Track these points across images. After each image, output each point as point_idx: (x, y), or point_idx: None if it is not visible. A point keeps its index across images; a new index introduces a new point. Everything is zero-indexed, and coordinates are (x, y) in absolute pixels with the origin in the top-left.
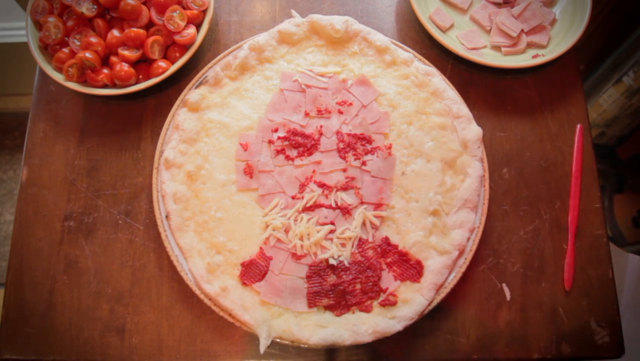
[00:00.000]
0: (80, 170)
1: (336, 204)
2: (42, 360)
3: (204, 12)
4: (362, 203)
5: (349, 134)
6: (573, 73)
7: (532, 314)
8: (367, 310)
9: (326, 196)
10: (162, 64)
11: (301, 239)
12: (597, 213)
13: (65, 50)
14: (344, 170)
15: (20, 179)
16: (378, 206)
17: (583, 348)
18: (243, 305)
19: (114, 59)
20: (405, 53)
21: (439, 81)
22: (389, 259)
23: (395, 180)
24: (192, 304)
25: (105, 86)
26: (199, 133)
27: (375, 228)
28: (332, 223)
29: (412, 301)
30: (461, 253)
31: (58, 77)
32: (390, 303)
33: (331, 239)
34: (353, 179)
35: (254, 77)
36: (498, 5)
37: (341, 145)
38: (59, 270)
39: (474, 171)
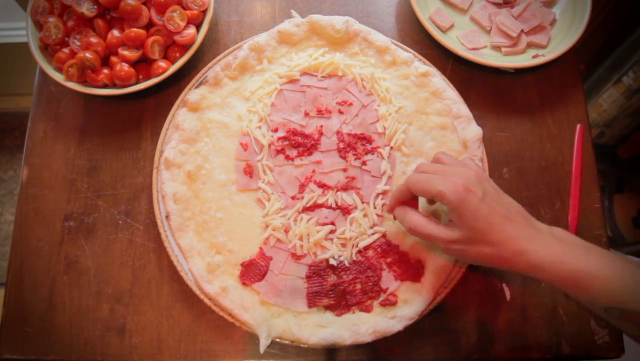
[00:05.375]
0: (80, 170)
1: (336, 204)
2: (42, 360)
3: (204, 12)
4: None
5: (349, 134)
6: (573, 73)
7: (532, 314)
8: (367, 310)
9: (325, 194)
10: (162, 64)
11: (301, 239)
12: (597, 213)
13: (65, 50)
14: (344, 170)
15: (20, 179)
16: None
17: (583, 348)
18: (243, 305)
19: (114, 59)
20: (405, 53)
21: (439, 81)
22: (389, 259)
23: (395, 180)
24: (192, 304)
25: (105, 86)
26: (199, 133)
27: None
28: (332, 223)
29: (412, 301)
30: None
31: (58, 77)
32: (390, 303)
33: (331, 239)
34: (353, 179)
35: (254, 77)
36: (498, 5)
37: (341, 145)
38: (59, 270)
39: None
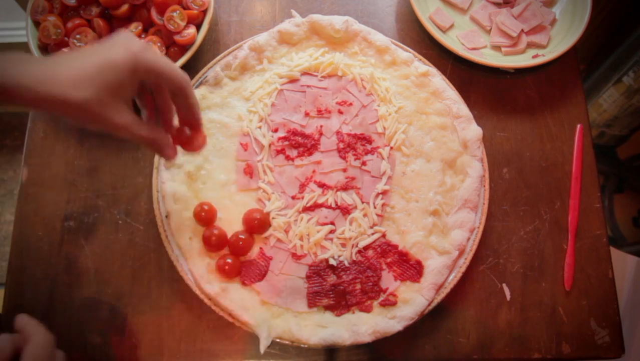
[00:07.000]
0: (80, 170)
1: (336, 204)
2: None
3: (204, 12)
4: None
5: (349, 134)
6: (573, 73)
7: (532, 314)
8: (367, 310)
9: (325, 194)
10: None
11: (301, 239)
12: (597, 213)
13: (65, 50)
14: (344, 170)
15: (20, 179)
16: None
17: (583, 348)
18: (243, 305)
19: None
20: (405, 53)
21: (439, 81)
22: (389, 259)
23: (395, 180)
24: (192, 304)
25: None
26: None
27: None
28: (332, 223)
29: (412, 301)
30: (461, 253)
31: None
32: (390, 303)
33: (331, 239)
34: (353, 179)
35: (253, 77)
36: (498, 5)
37: (341, 145)
38: (59, 270)
39: (474, 171)
